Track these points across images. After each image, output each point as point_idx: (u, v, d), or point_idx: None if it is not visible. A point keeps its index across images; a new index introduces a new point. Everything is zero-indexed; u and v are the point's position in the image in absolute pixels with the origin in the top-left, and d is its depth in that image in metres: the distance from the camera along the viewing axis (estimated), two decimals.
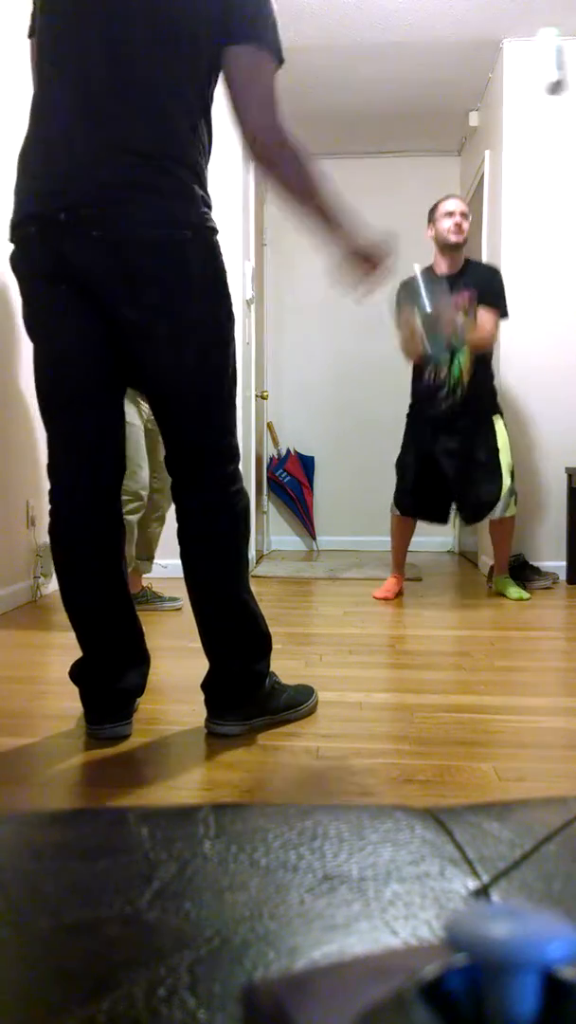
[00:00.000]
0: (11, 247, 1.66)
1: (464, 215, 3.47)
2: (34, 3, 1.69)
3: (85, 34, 1.59)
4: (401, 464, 3.70)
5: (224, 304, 1.70)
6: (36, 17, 1.68)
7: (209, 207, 1.68)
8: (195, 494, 1.74)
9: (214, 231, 1.67)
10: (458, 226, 3.44)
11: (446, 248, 3.49)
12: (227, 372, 1.72)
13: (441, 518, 3.74)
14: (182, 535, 1.76)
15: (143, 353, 1.67)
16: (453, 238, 3.44)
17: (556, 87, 3.63)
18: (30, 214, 1.60)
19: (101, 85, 1.58)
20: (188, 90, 1.61)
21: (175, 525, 1.80)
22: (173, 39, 1.58)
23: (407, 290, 3.54)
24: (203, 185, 1.67)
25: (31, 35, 1.70)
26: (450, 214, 3.46)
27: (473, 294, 3.46)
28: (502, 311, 3.51)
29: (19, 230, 1.63)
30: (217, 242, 1.68)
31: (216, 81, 1.67)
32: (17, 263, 1.66)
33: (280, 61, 1.66)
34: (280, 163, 1.66)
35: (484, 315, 3.46)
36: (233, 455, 1.76)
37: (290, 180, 1.67)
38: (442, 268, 3.55)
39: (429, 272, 3.59)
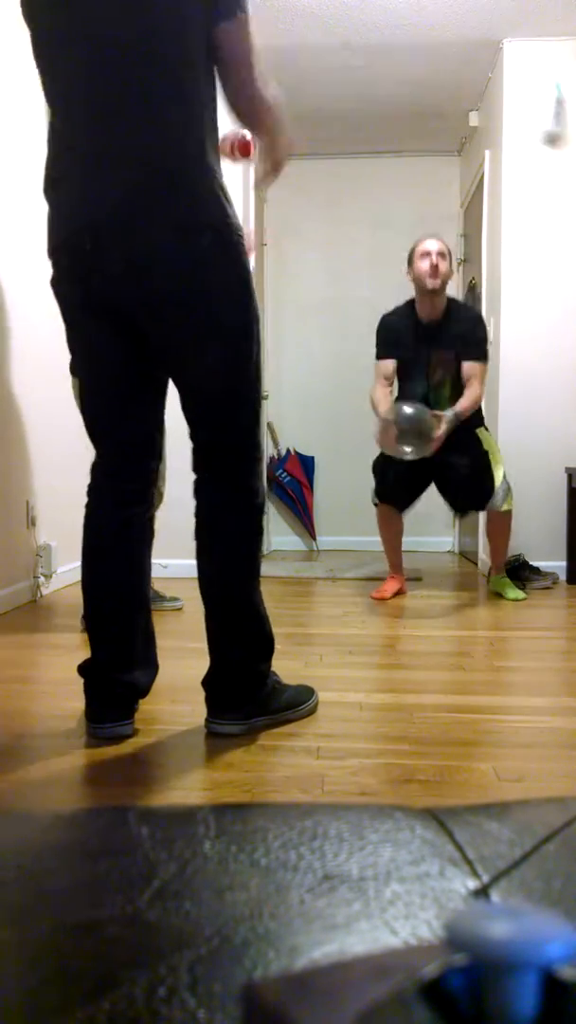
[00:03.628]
0: (51, 270, 1.76)
1: (441, 255, 3.39)
2: (27, 22, 1.70)
3: (76, 51, 1.62)
4: (380, 465, 3.65)
5: (248, 307, 1.74)
6: (32, 36, 1.70)
7: (227, 199, 1.70)
8: (214, 491, 1.80)
9: (235, 228, 1.69)
10: (435, 268, 3.37)
11: (425, 292, 3.44)
12: (251, 374, 1.78)
13: (405, 507, 3.69)
14: (198, 531, 1.82)
15: (172, 362, 1.77)
16: (430, 283, 3.39)
17: (551, 138, 3.54)
18: (60, 245, 1.70)
19: (99, 100, 1.62)
20: (188, 83, 1.63)
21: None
22: (163, 39, 1.61)
23: (388, 333, 3.55)
24: (216, 176, 1.68)
25: (33, 53, 1.72)
26: (426, 254, 3.40)
27: (451, 355, 3.45)
28: (483, 358, 3.49)
29: (53, 259, 1.73)
30: (238, 240, 1.70)
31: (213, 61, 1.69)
32: (56, 289, 1.76)
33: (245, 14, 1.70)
34: (261, 122, 1.75)
35: (469, 370, 3.43)
36: (255, 456, 1.82)
37: (265, 131, 1.78)
38: (423, 311, 3.50)
39: (410, 311, 3.56)
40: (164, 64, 1.61)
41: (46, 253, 1.74)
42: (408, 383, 3.55)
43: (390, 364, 3.55)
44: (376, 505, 3.70)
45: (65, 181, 1.68)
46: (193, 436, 1.82)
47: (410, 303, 3.58)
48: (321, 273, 5.66)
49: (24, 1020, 0.34)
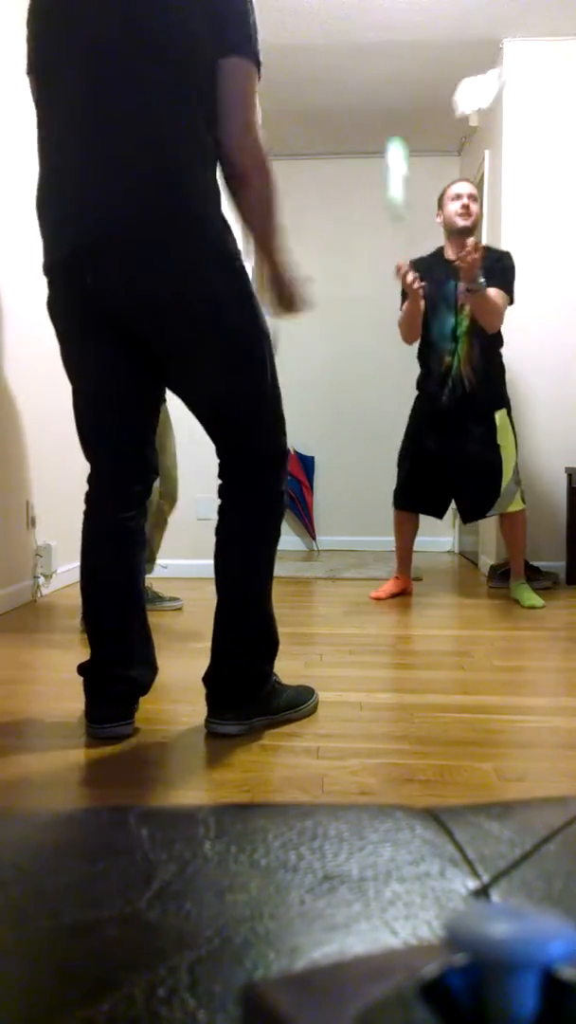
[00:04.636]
0: (47, 289, 1.77)
1: (472, 197, 3.37)
2: (28, 40, 1.70)
3: (77, 67, 1.62)
4: (401, 458, 3.64)
5: (250, 311, 1.74)
6: (32, 53, 1.70)
7: (225, 222, 1.69)
8: (235, 493, 1.83)
9: (233, 250, 1.69)
10: (466, 208, 3.35)
11: (455, 232, 3.40)
12: (265, 381, 1.78)
13: (437, 512, 3.66)
14: (219, 531, 1.84)
15: (180, 378, 1.78)
16: (461, 222, 3.36)
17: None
18: (56, 263, 1.69)
19: (98, 117, 1.61)
20: (190, 104, 1.62)
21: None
22: (167, 59, 1.60)
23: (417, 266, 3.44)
24: (214, 191, 1.68)
25: (29, 72, 1.72)
26: (458, 196, 3.38)
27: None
28: (509, 294, 3.36)
29: (49, 278, 1.73)
30: (238, 261, 1.70)
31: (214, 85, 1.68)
32: (51, 308, 1.76)
33: (260, 73, 1.68)
34: (252, 181, 1.69)
35: (491, 291, 3.29)
36: (276, 459, 1.85)
37: (255, 199, 1.71)
38: (452, 253, 3.43)
39: (438, 253, 3.51)
40: (167, 84, 1.60)
41: (42, 270, 1.73)
42: (435, 317, 3.45)
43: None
44: (394, 509, 3.68)
45: (59, 196, 1.67)
46: (216, 448, 1.84)
47: (438, 248, 3.52)
48: (321, 273, 5.66)
49: (24, 1020, 0.34)
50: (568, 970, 0.30)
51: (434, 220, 3.55)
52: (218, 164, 1.69)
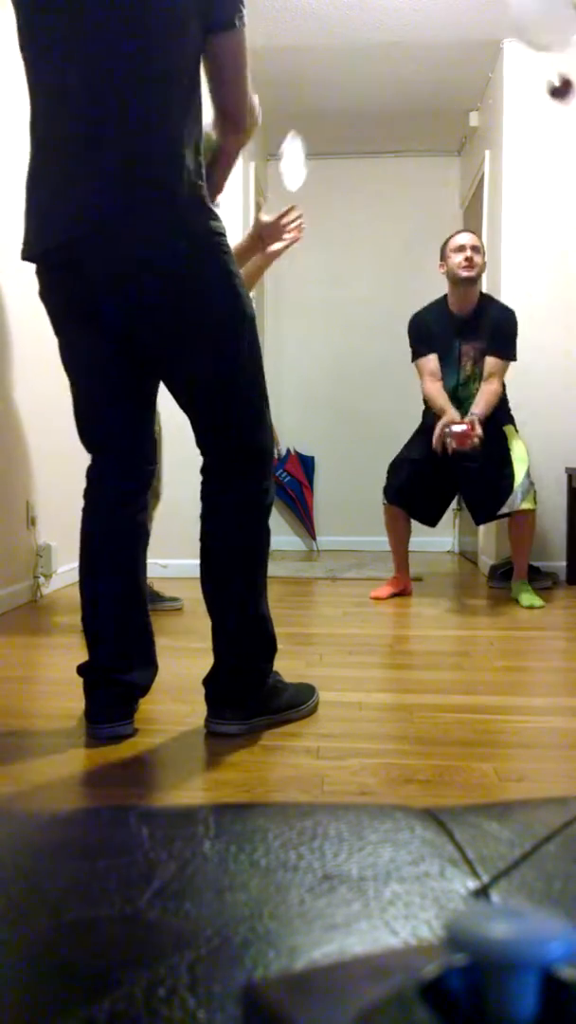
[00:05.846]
0: (37, 281, 1.77)
1: (475, 249, 3.45)
2: (17, 18, 1.69)
3: (73, 61, 1.61)
4: (397, 463, 3.65)
5: (239, 308, 1.73)
6: (22, 31, 1.69)
7: (210, 205, 1.69)
8: (221, 492, 1.80)
9: (218, 234, 1.69)
10: (469, 260, 3.42)
11: (458, 283, 3.47)
12: (247, 372, 1.77)
13: (429, 520, 3.69)
14: (204, 531, 1.82)
15: (165, 366, 1.77)
16: (464, 273, 3.43)
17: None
18: (43, 256, 1.70)
19: (90, 110, 1.61)
20: (179, 97, 1.62)
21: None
22: (161, 57, 1.60)
23: (420, 329, 3.56)
24: (201, 187, 1.68)
25: (22, 48, 1.71)
26: (461, 248, 3.45)
27: (482, 346, 3.46)
28: (510, 356, 3.49)
29: (38, 269, 1.74)
30: (223, 244, 1.70)
31: (200, 67, 1.70)
32: (43, 298, 1.77)
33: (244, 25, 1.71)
34: (244, 127, 1.77)
35: (491, 365, 3.42)
36: (261, 455, 1.82)
37: (244, 135, 1.80)
38: (455, 304, 3.53)
39: (442, 306, 3.58)
40: (159, 81, 1.60)
41: (29, 257, 1.73)
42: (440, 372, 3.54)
43: (432, 359, 3.55)
44: (384, 504, 3.69)
45: (47, 187, 1.66)
46: (197, 440, 1.82)
47: (442, 298, 3.60)
48: (321, 273, 5.66)
49: (23, 1020, 0.34)
50: (568, 970, 0.30)
51: (438, 270, 3.61)
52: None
